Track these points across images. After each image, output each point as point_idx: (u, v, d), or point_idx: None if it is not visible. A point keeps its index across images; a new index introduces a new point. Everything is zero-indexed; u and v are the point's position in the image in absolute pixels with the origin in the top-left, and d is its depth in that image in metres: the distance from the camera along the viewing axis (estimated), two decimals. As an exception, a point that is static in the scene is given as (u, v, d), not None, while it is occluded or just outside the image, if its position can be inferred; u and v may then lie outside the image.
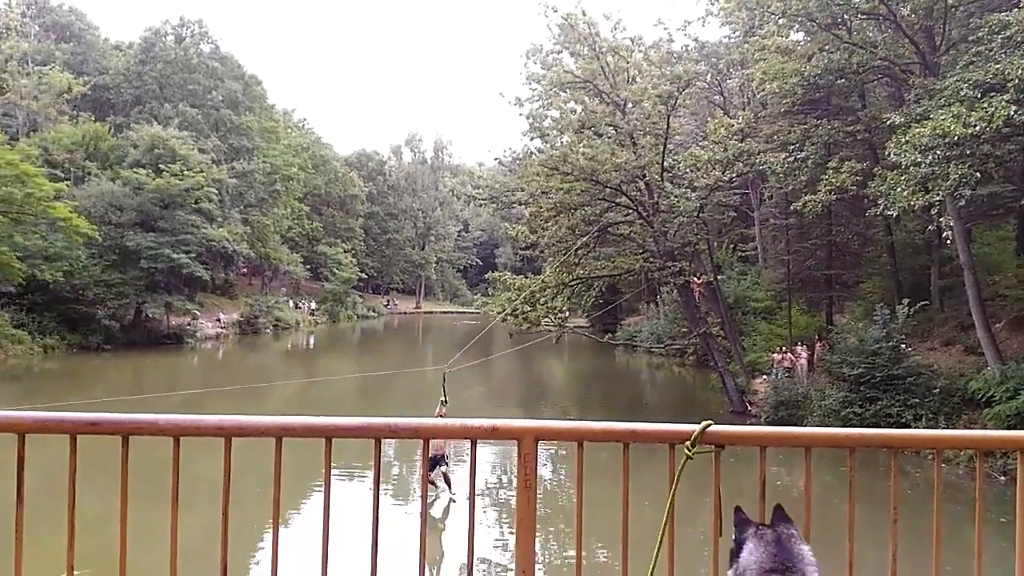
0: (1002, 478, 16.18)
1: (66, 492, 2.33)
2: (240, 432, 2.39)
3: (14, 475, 2.30)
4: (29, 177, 33.15)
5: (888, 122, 19.11)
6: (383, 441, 2.48)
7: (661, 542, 2.39)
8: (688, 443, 2.36)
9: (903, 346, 21.35)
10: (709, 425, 2.38)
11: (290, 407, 27.56)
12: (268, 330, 56.85)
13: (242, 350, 49.11)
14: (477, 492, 2.64)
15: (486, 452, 18.27)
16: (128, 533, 2.39)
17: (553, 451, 18.80)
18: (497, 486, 16.82)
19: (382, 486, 2.44)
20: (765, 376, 26.72)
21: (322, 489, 2.53)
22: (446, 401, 15.59)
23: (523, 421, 2.45)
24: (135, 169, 43.82)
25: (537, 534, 2.48)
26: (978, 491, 2.59)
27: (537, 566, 2.46)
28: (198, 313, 47.65)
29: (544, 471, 18.46)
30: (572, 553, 11.85)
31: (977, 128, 15.70)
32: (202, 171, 45.39)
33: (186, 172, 43.80)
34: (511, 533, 13.31)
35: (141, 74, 57.91)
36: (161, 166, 43.79)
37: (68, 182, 40.20)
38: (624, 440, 2.47)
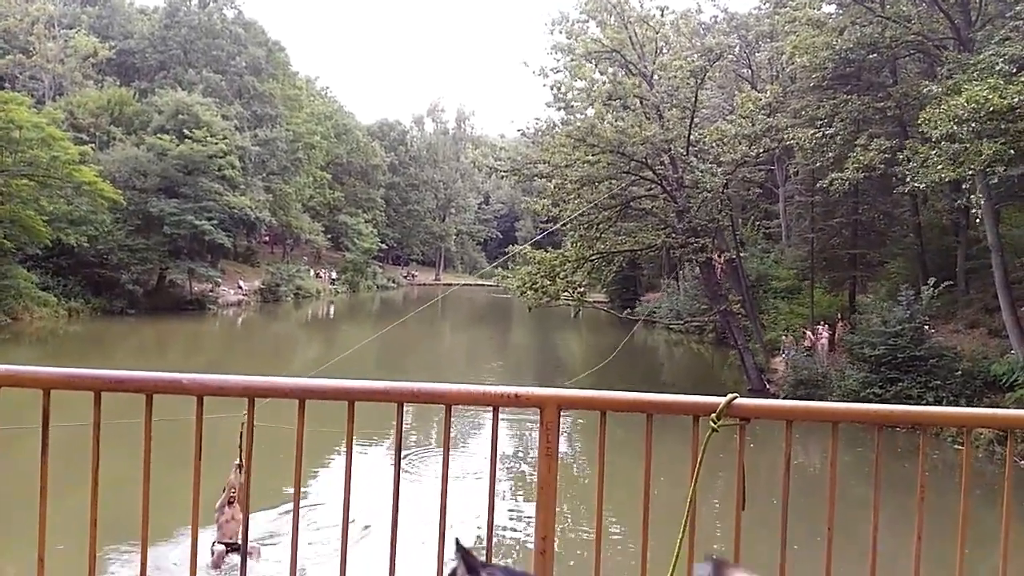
0: (1022, 462, 16.04)
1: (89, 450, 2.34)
2: (264, 392, 2.38)
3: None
4: (55, 141, 33.39)
5: (924, 89, 18.76)
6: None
7: (689, 513, 2.37)
8: (713, 415, 2.33)
9: (926, 327, 21.13)
10: (735, 398, 2.34)
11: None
12: (289, 298, 57.28)
13: (263, 317, 49.60)
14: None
15: (502, 426, 18.37)
16: (150, 491, 2.40)
17: (568, 427, 18.85)
18: (512, 458, 16.88)
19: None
20: (785, 355, 26.56)
21: (338, 456, 2.53)
22: (241, 464, 9.43)
23: (546, 389, 2.43)
24: (159, 135, 44.02)
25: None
26: (1008, 471, 2.54)
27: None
28: (220, 280, 48.08)
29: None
30: (585, 526, 11.93)
31: (1015, 101, 15.34)
32: (225, 138, 45.50)
33: (209, 139, 43.93)
34: (526, 502, 13.41)
35: (166, 39, 57.92)
36: (185, 132, 43.96)
37: (93, 146, 40.48)
38: (648, 411, 2.44)
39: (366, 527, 9.83)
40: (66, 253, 36.98)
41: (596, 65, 26.13)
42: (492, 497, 2.55)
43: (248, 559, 2.92)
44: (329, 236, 71.06)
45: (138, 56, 58.70)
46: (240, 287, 53.36)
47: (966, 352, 20.92)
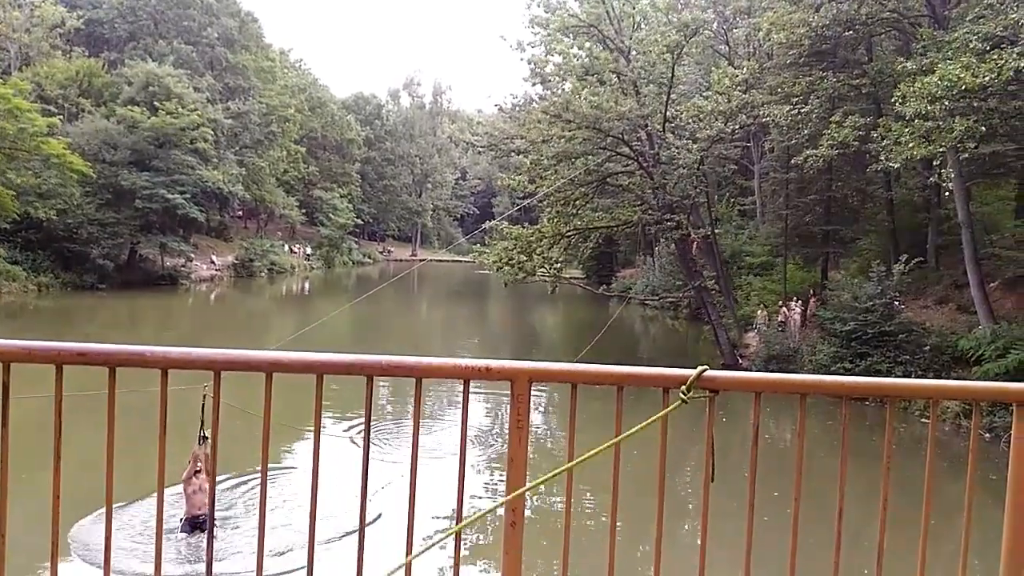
0: (987, 435, 16.39)
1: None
2: (230, 366, 2.34)
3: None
4: (22, 112, 32.65)
5: (899, 66, 18.88)
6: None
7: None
8: (683, 387, 2.34)
9: (896, 303, 21.42)
10: (705, 370, 2.35)
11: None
12: (263, 274, 56.79)
13: (237, 293, 49.16)
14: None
15: (478, 405, 18.42)
16: (115, 463, 2.37)
17: (544, 403, 18.94)
18: (488, 433, 16.94)
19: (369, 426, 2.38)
20: (757, 330, 26.85)
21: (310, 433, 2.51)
22: (206, 437, 9.55)
23: (517, 362, 2.42)
24: (129, 107, 43.17)
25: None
26: (972, 443, 2.58)
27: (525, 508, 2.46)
28: (193, 255, 47.51)
29: (532, 420, 18.58)
30: (558, 498, 12.03)
31: (987, 79, 15.49)
32: (197, 110, 44.74)
33: (181, 111, 43.17)
34: (501, 476, 13.47)
35: (135, 9, 56.67)
36: (156, 104, 43.14)
37: (61, 118, 39.63)
38: (618, 383, 2.45)
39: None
40: (35, 227, 36.36)
41: (573, 40, 25.98)
42: (462, 469, 2.55)
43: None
44: (304, 211, 70.36)
45: (107, 26, 57.36)
46: (213, 262, 52.78)
47: (935, 327, 21.27)
